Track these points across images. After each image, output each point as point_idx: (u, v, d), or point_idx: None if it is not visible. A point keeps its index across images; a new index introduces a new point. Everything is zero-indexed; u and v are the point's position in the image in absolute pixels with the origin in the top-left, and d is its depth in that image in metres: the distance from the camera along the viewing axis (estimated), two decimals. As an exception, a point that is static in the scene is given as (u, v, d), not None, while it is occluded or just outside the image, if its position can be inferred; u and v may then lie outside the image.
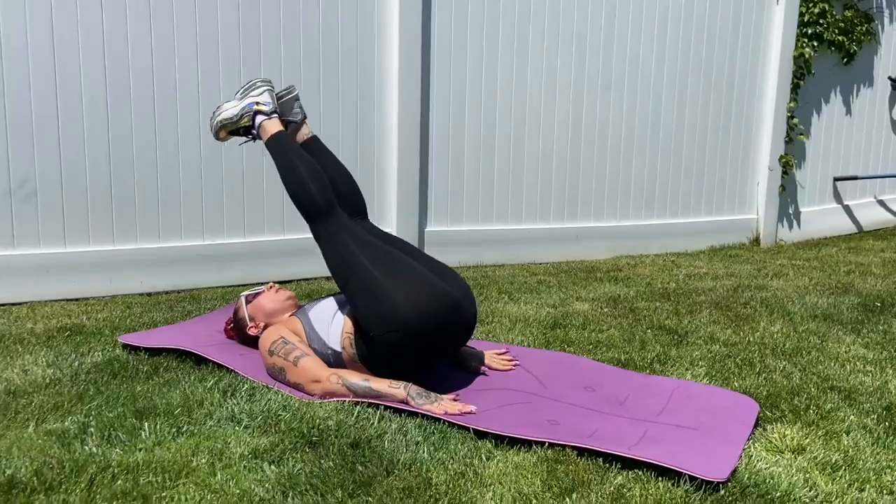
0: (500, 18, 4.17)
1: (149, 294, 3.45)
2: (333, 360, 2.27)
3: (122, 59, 3.33)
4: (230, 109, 2.53)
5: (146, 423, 1.91)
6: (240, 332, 2.57)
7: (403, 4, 3.86)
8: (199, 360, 2.40)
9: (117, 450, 1.78)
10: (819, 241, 5.55)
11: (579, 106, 4.50)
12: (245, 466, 1.72)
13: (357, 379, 2.15)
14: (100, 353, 2.50)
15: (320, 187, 2.35)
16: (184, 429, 1.90)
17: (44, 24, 3.17)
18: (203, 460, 1.73)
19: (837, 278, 4.09)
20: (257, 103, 2.50)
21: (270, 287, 2.58)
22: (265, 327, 2.49)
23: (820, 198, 5.67)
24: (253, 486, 1.63)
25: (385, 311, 2.13)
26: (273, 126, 2.49)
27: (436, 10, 3.99)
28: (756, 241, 5.28)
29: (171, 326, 2.81)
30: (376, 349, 2.19)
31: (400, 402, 2.08)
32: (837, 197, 5.76)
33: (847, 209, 5.82)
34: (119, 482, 1.62)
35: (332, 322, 2.31)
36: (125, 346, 2.55)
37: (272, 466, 1.72)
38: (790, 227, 5.51)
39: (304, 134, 2.62)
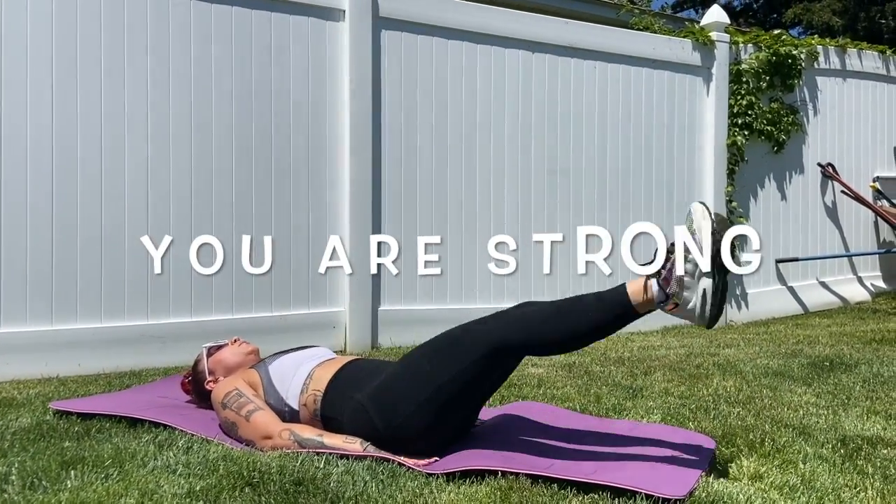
0: (448, 114, 4.34)
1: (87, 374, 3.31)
2: (289, 418, 2.15)
3: (71, 156, 3.36)
4: (693, 300, 1.83)
5: (72, 472, 1.78)
6: (196, 387, 2.43)
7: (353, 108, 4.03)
8: (136, 422, 2.28)
9: (38, 494, 1.65)
10: (767, 320, 5.64)
11: (527, 189, 4.63)
12: (178, 503, 1.60)
13: (310, 434, 2.04)
14: (28, 418, 2.36)
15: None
16: (113, 476, 1.78)
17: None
18: (132, 500, 1.61)
19: (787, 347, 4.14)
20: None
21: (234, 341, 2.47)
22: None
23: (765, 280, 5.81)
24: (184, 520, 1.52)
25: (398, 418, 1.98)
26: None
27: (386, 107, 4.16)
28: (707, 321, 5.35)
29: (108, 394, 2.68)
30: (358, 425, 2.04)
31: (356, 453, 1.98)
32: (781, 279, 5.92)
33: (792, 290, 5.96)
34: (37, 521, 1.50)
35: (293, 377, 2.19)
36: (57, 413, 2.41)
37: (207, 505, 1.61)
38: (738, 307, 5.61)
39: None
